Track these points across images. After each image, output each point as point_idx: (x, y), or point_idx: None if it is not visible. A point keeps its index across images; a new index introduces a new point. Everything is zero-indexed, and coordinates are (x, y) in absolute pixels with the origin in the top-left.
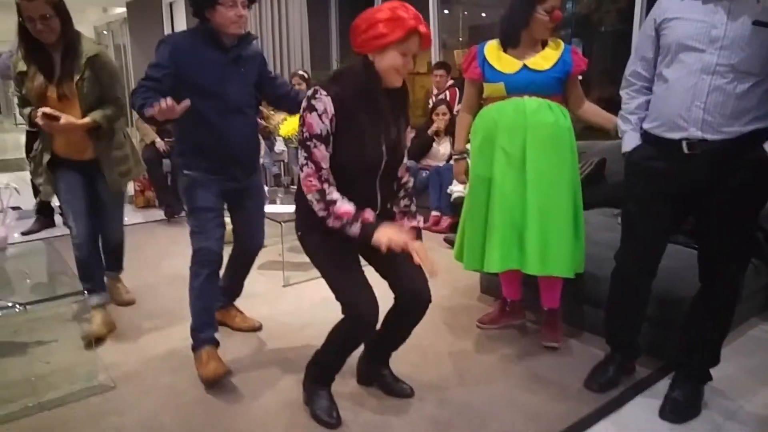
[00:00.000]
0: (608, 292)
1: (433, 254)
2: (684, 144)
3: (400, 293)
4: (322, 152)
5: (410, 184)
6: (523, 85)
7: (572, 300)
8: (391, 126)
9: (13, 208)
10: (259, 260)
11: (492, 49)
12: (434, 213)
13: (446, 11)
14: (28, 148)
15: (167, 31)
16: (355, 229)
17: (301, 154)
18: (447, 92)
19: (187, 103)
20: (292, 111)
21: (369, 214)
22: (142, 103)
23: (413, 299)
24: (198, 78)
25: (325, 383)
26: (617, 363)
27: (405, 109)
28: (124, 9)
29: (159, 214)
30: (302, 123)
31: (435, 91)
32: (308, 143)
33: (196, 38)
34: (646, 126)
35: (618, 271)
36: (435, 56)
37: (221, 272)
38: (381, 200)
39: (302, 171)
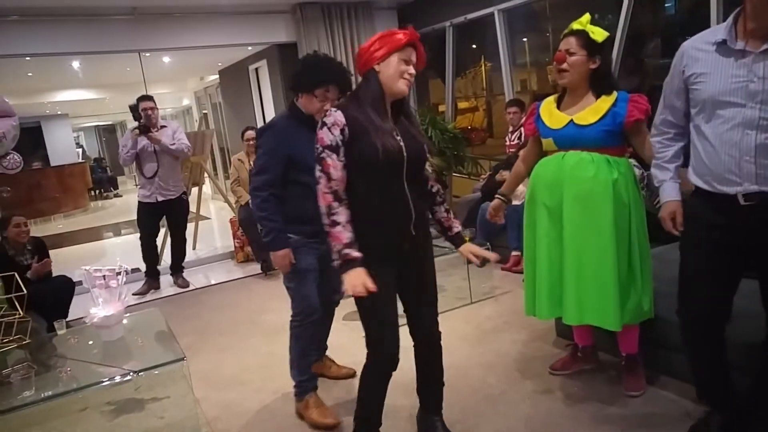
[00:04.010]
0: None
1: (514, 296)
2: (740, 197)
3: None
4: (333, 162)
5: (441, 190)
6: (570, 140)
7: (650, 344)
8: (402, 126)
9: (132, 270)
10: (342, 311)
11: (546, 105)
12: (514, 253)
13: (525, 38)
14: None
15: (254, 90)
16: (336, 258)
17: (317, 168)
18: (522, 129)
19: None
20: None
21: (355, 254)
22: (270, 229)
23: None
24: (305, 157)
25: None
26: (717, 424)
27: (411, 118)
28: (217, 76)
29: (256, 268)
30: (316, 141)
31: (510, 128)
32: (322, 155)
33: (292, 120)
34: (694, 181)
35: (683, 329)
36: (507, 90)
37: None
38: (413, 206)
39: (318, 183)
